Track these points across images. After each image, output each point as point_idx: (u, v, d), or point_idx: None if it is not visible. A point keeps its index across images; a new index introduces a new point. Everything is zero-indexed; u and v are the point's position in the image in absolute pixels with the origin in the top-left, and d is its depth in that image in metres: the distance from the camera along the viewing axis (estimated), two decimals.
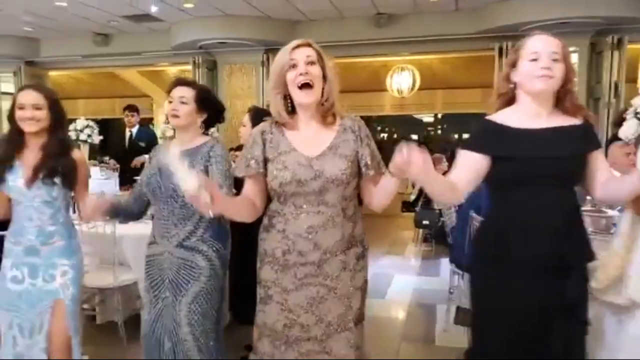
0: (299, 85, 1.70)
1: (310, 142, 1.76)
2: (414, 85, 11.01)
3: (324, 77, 1.74)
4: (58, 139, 2.18)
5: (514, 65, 1.80)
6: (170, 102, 2.18)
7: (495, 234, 1.79)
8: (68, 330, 2.20)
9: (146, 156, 2.75)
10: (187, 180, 1.54)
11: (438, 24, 7.76)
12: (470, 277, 1.95)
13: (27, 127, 2.11)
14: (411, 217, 6.85)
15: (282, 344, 1.76)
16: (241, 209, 1.80)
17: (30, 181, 2.11)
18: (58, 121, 2.20)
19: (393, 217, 7.93)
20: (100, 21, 8.14)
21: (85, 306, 3.61)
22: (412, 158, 1.48)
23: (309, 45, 1.75)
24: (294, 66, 1.71)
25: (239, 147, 4.82)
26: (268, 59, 8.58)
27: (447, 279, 4.05)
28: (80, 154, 2.28)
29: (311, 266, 1.73)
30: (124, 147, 6.54)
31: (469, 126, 12.92)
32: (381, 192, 1.77)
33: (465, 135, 13.99)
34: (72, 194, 2.30)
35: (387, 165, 1.75)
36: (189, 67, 8.99)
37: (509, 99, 1.84)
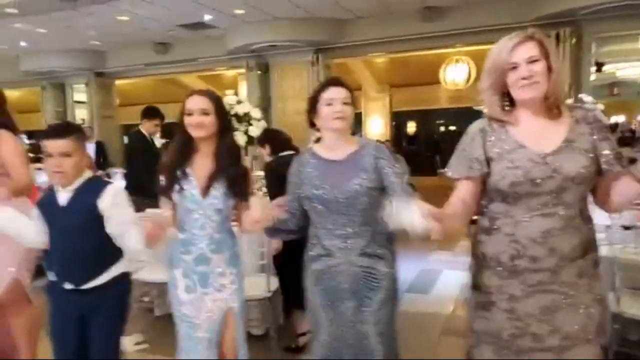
0: (522, 85, 1.58)
1: (540, 137, 1.60)
2: (469, 76, 10.78)
3: (549, 69, 1.57)
4: (228, 146, 2.08)
5: None
6: (330, 104, 1.97)
7: None
8: (237, 342, 2.14)
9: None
10: (419, 221, 1.46)
11: (489, 14, 7.55)
12: None
13: (196, 133, 2.02)
14: None
15: (510, 353, 1.64)
16: (461, 219, 1.67)
17: (206, 189, 2.02)
18: (225, 126, 2.11)
19: None
20: (159, 31, 8.65)
21: (146, 299, 3.92)
22: None
23: (531, 39, 1.58)
24: (514, 68, 1.58)
25: None
26: (318, 59, 8.76)
27: None
28: (248, 162, 2.25)
29: (545, 273, 1.58)
30: None
31: None
32: (628, 191, 1.55)
33: None
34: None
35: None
36: (243, 70, 9.35)
37: None
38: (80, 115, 10.95)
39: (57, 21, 7.72)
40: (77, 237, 1.95)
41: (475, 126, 1.71)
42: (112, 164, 8.28)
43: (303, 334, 3.21)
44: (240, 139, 4.72)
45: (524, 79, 1.56)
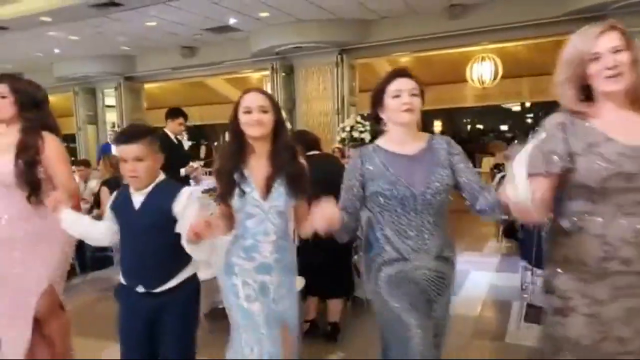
0: (607, 76, 1.51)
1: (628, 129, 1.51)
2: (496, 74, 10.60)
3: (632, 60, 1.51)
4: (285, 144, 1.97)
5: None
6: (397, 96, 1.85)
7: None
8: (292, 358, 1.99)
9: None
10: (525, 189, 1.38)
11: (516, 11, 7.42)
12: None
13: (254, 131, 1.90)
14: None
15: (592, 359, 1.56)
16: (540, 215, 1.58)
17: (267, 191, 1.90)
18: (282, 124, 1.99)
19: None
20: (186, 35, 8.81)
21: None
22: None
23: (614, 29, 1.52)
24: (596, 58, 1.51)
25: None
26: (342, 60, 8.76)
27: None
28: (304, 160, 2.02)
29: (636, 275, 1.50)
30: None
31: None
32: None
33: None
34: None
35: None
36: (268, 72, 9.43)
37: None
38: (111, 118, 11.25)
39: (89, 28, 7.95)
40: (151, 240, 1.94)
41: (553, 119, 1.60)
42: None
43: (307, 321, 3.38)
44: None
45: (608, 69, 1.49)
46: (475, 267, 5.18)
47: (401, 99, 1.83)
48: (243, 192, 1.90)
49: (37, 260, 2.29)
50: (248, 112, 1.90)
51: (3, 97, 2.31)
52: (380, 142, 1.96)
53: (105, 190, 4.84)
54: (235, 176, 1.91)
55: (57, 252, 2.35)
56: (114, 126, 10.88)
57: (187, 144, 5.62)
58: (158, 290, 1.95)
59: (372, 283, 1.91)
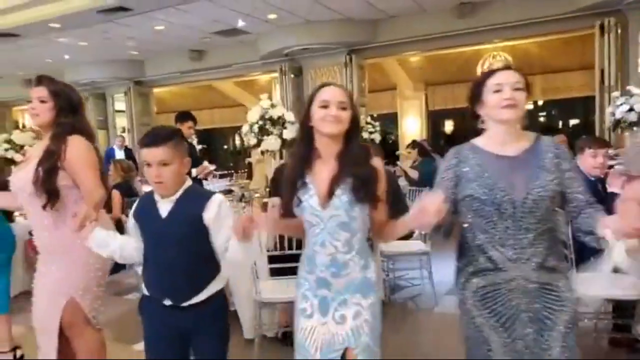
0: None
1: None
2: None
3: None
4: (358, 144, 1.75)
5: None
6: (499, 90, 1.66)
7: None
8: None
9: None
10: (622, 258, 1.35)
11: (527, 8, 7.33)
12: None
13: (331, 128, 1.69)
14: None
15: None
16: None
17: (327, 198, 1.69)
18: (358, 124, 1.78)
19: None
20: (194, 39, 8.83)
21: None
22: None
23: None
24: None
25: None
26: (351, 60, 8.72)
27: None
28: (380, 162, 1.78)
29: None
30: None
31: (575, 112, 11.87)
32: None
33: (573, 122, 12.89)
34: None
35: None
36: (277, 74, 9.42)
37: None
38: (121, 123, 11.31)
39: (97, 34, 7.99)
40: (180, 251, 1.79)
41: None
42: None
43: (287, 326, 3.20)
44: (274, 142, 4.75)
45: None
46: None
47: (502, 93, 1.65)
48: (300, 200, 1.73)
49: (60, 271, 2.19)
50: (325, 106, 1.70)
51: (42, 101, 2.16)
52: (477, 141, 1.76)
53: (116, 194, 4.85)
54: (299, 183, 1.74)
55: (79, 264, 2.19)
56: (123, 131, 10.93)
57: (197, 148, 5.63)
58: (187, 304, 1.81)
59: (459, 292, 1.77)
